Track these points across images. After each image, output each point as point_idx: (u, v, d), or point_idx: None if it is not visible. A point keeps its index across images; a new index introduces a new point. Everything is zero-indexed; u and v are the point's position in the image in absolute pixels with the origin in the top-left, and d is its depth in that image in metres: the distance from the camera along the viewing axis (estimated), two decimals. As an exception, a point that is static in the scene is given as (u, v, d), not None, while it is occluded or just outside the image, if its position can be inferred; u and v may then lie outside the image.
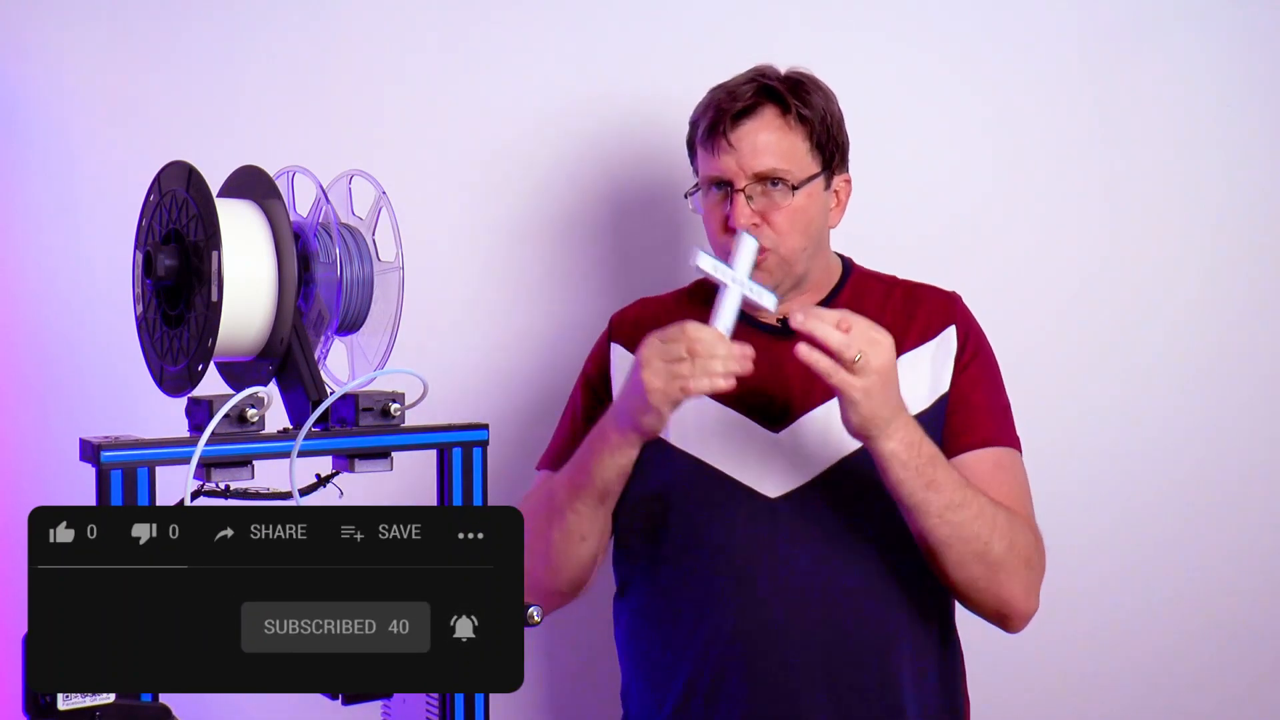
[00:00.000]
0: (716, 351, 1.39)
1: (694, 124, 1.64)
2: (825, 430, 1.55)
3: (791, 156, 1.57)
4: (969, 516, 1.46)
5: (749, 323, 1.64)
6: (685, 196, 1.65)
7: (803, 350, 1.38)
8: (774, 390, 1.58)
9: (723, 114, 1.56)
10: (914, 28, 2.11)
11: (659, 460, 1.58)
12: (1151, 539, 2.15)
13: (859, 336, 1.38)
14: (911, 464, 1.43)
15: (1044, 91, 2.13)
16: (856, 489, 1.53)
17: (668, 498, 1.58)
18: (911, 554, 1.54)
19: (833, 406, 1.52)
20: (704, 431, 1.58)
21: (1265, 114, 2.18)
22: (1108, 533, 2.13)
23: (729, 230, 1.56)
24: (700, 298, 1.71)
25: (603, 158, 2.04)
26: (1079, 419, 2.13)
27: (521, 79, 2.02)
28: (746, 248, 1.46)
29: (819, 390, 1.56)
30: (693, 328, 1.41)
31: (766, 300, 1.46)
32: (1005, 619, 1.55)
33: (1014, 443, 1.62)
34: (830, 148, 1.60)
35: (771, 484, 1.54)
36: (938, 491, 1.44)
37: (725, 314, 1.43)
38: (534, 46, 2.02)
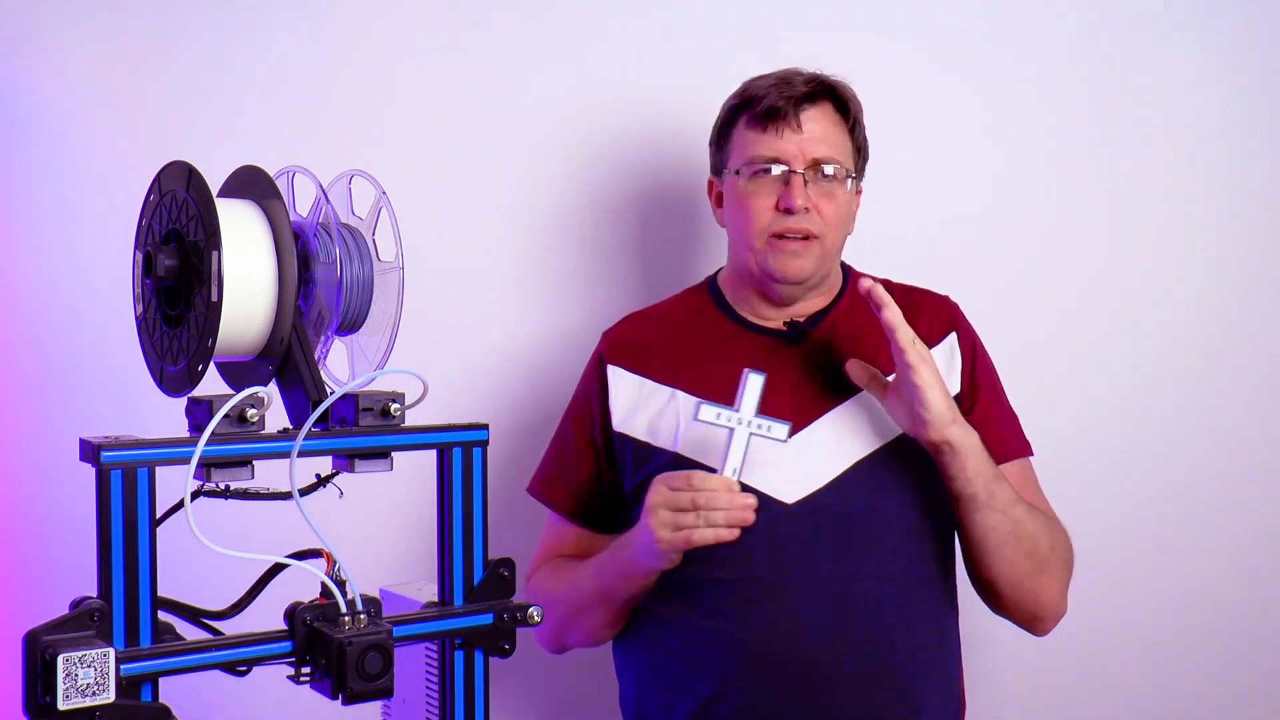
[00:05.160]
0: (718, 503, 1.41)
1: (736, 108, 1.63)
2: (836, 435, 1.57)
3: (843, 151, 1.61)
4: (1026, 514, 1.53)
5: (756, 329, 1.64)
6: (719, 174, 1.66)
7: (888, 317, 1.46)
8: (784, 396, 1.58)
9: (787, 98, 1.58)
10: (914, 28, 2.11)
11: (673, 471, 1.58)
12: (1152, 540, 2.15)
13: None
14: (985, 455, 1.50)
15: (1045, 92, 2.13)
16: (870, 491, 1.55)
17: None
18: (925, 551, 1.57)
19: (841, 411, 1.57)
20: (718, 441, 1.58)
21: (1266, 115, 2.18)
22: (1108, 533, 2.12)
23: (780, 210, 1.57)
24: (693, 308, 1.70)
25: (603, 157, 2.04)
26: (1080, 419, 2.12)
27: (521, 78, 2.01)
28: (754, 386, 1.44)
29: (829, 395, 1.59)
30: (699, 478, 1.42)
31: (778, 432, 1.44)
32: (1038, 620, 1.60)
33: (1028, 449, 1.67)
34: (863, 155, 1.66)
35: (788, 490, 1.55)
36: (1004, 486, 1.51)
37: (734, 458, 1.42)
38: (534, 46, 2.02)
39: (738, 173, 1.61)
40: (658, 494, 1.45)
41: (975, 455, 1.49)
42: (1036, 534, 1.54)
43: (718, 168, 1.68)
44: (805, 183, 1.57)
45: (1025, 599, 1.57)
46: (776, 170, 1.58)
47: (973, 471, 1.49)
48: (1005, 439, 1.64)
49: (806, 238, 1.58)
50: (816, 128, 1.59)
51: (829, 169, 1.58)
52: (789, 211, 1.57)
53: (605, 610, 1.61)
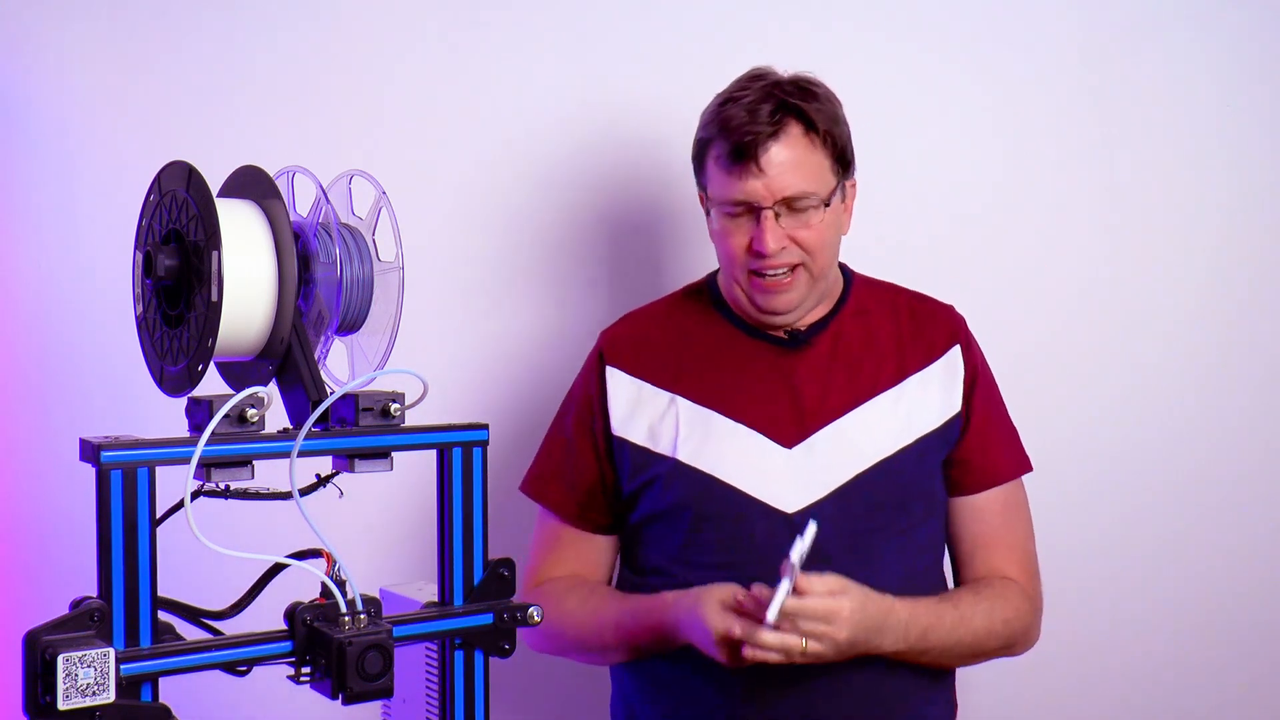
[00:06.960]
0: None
1: (705, 142, 1.58)
2: (839, 445, 1.56)
3: (817, 176, 1.54)
4: (965, 646, 1.54)
5: (756, 335, 1.63)
6: (708, 213, 1.61)
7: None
8: (785, 405, 1.58)
9: (747, 139, 1.51)
10: (913, 28, 2.11)
11: (673, 478, 1.58)
12: (1151, 541, 2.15)
13: (807, 627, 1.40)
14: (909, 651, 1.50)
15: (1045, 92, 2.13)
16: (873, 501, 1.55)
17: (683, 514, 1.58)
18: (918, 561, 1.57)
19: (846, 421, 1.56)
20: (718, 448, 1.57)
21: (1266, 115, 2.18)
22: (1108, 534, 2.13)
23: (752, 252, 1.54)
24: (693, 310, 1.69)
25: (602, 158, 2.04)
26: (1080, 420, 2.12)
27: (521, 79, 2.01)
28: (810, 536, 1.39)
29: (831, 405, 1.58)
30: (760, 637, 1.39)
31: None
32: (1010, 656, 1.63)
33: (1025, 465, 1.67)
34: (845, 158, 1.59)
35: (788, 499, 1.54)
36: (932, 652, 1.52)
37: (777, 603, 1.39)
38: (533, 47, 2.02)
39: (709, 213, 1.59)
40: (717, 622, 1.43)
41: (889, 641, 1.47)
42: (981, 644, 1.55)
43: (701, 188, 1.63)
44: (778, 216, 1.53)
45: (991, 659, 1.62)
46: (744, 209, 1.54)
47: (894, 651, 1.48)
48: (999, 461, 1.64)
49: (793, 268, 1.55)
50: (786, 156, 1.52)
51: (799, 203, 1.53)
52: (761, 255, 1.53)
53: (627, 654, 1.60)
